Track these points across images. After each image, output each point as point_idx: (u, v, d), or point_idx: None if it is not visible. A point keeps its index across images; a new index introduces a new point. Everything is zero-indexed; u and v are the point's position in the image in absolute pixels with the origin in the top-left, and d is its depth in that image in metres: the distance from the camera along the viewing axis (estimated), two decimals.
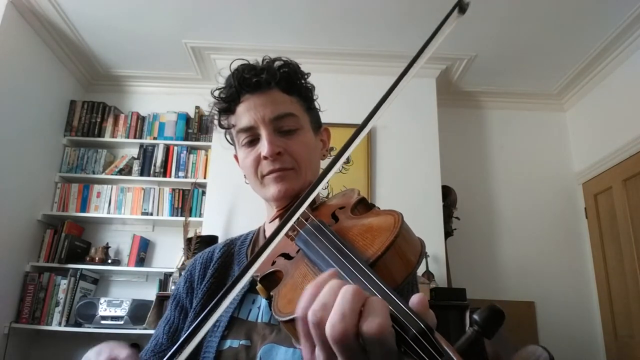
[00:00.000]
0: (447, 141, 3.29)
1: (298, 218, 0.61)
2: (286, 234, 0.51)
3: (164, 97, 3.54)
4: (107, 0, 2.75)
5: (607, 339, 3.08)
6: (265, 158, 0.72)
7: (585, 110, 3.45)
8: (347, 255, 0.46)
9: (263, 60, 0.78)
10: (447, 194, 3.07)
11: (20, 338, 2.89)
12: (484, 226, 3.37)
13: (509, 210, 3.41)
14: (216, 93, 0.79)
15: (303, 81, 0.80)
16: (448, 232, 3.00)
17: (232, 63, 0.78)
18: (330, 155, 0.86)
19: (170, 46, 3.16)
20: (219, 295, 0.44)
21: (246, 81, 0.74)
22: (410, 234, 0.49)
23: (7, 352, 2.75)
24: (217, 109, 0.79)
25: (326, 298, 0.37)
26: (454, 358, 0.32)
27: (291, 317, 0.42)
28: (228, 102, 0.77)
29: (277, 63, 0.78)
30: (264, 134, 0.73)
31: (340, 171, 3.01)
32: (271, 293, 0.51)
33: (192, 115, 3.43)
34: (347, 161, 3.04)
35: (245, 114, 0.75)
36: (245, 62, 0.78)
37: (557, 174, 3.51)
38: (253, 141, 0.75)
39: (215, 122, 0.80)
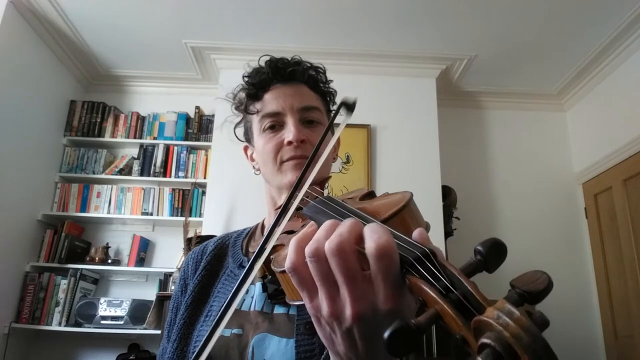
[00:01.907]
0: (447, 141, 3.29)
1: (308, 195, 0.61)
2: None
3: (164, 97, 3.54)
4: (107, 0, 2.75)
5: (608, 339, 3.08)
6: (290, 143, 0.75)
7: (585, 110, 3.45)
8: (359, 215, 0.46)
9: (291, 59, 0.83)
10: (447, 194, 3.07)
11: (20, 338, 2.88)
12: (484, 226, 3.36)
13: (509, 210, 3.41)
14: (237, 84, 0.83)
15: (327, 85, 0.86)
16: (448, 232, 3.00)
17: (260, 58, 0.84)
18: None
19: (170, 46, 3.16)
20: (242, 274, 0.43)
21: (280, 71, 0.79)
22: (418, 211, 0.49)
23: (7, 352, 2.75)
24: (245, 93, 0.82)
25: (326, 227, 0.39)
26: (460, 278, 0.32)
27: None
28: (257, 88, 0.80)
29: (307, 63, 0.83)
30: (290, 120, 0.77)
31: (340, 171, 3.01)
32: (271, 257, 0.51)
33: (192, 115, 3.43)
34: (347, 161, 3.04)
35: (273, 100, 0.79)
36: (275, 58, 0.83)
37: (557, 174, 3.51)
38: (275, 127, 0.78)
39: (233, 105, 0.84)
